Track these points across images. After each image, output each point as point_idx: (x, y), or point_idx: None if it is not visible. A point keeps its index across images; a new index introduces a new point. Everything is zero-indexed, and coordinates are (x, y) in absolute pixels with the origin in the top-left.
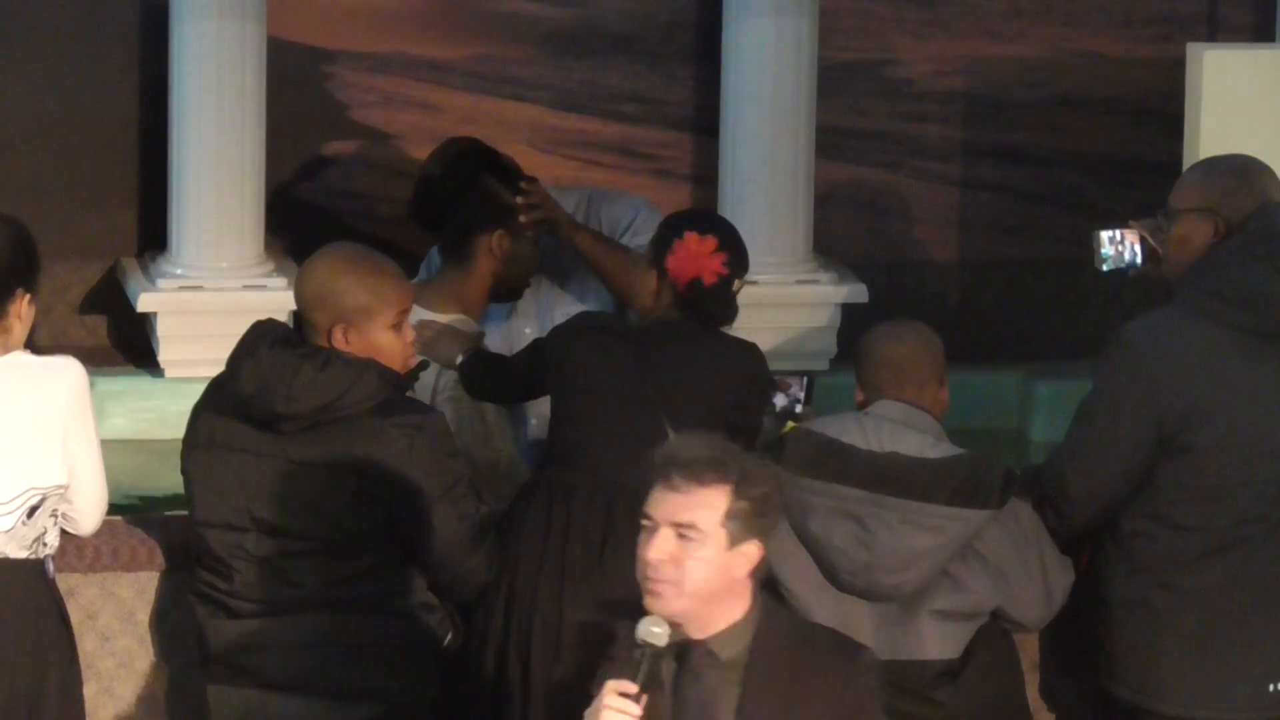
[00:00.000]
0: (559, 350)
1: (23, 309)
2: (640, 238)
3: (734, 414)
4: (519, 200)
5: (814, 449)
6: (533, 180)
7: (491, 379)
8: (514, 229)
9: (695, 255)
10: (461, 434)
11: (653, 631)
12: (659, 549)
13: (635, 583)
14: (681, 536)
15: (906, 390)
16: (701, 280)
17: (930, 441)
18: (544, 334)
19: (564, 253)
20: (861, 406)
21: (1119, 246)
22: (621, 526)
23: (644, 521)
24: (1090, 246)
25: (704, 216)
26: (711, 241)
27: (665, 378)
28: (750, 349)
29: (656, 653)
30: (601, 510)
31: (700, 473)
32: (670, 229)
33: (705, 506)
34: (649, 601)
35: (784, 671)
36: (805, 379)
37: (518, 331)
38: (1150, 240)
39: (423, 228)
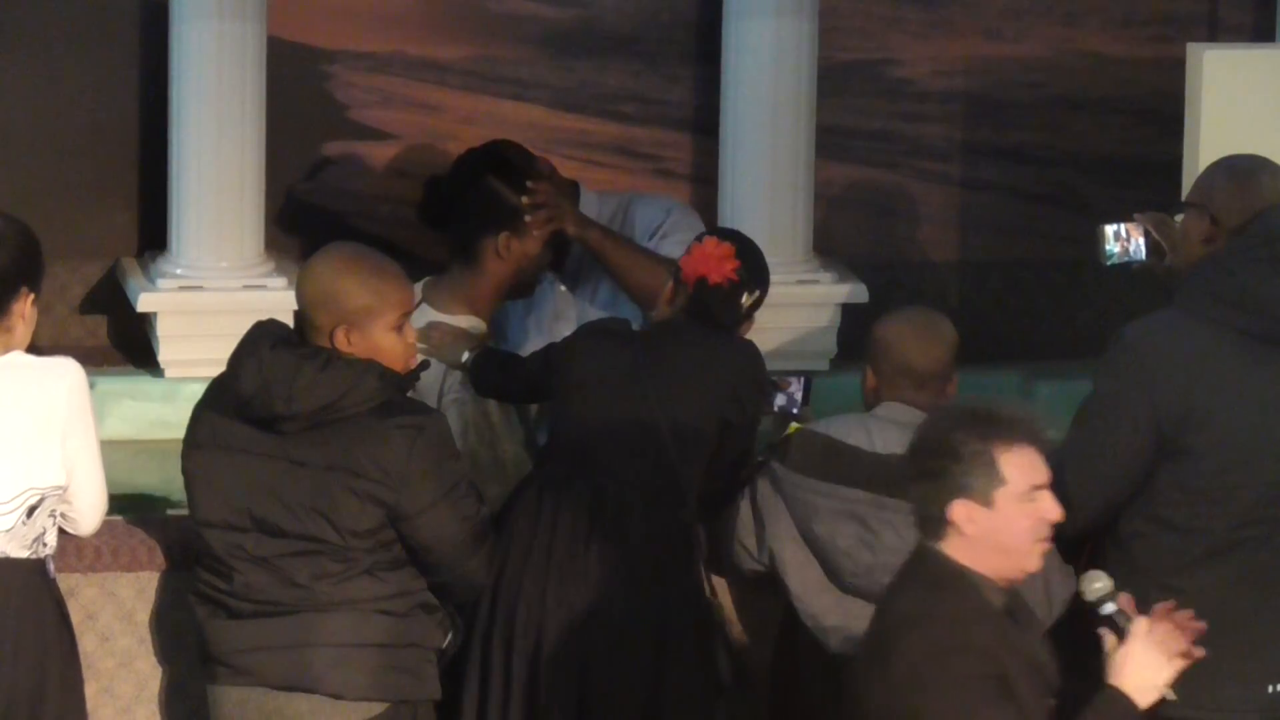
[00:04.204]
0: (561, 352)
1: (26, 309)
2: (670, 239)
3: (729, 410)
4: (524, 200)
5: (819, 450)
6: (540, 178)
7: (503, 377)
8: (520, 229)
9: (708, 256)
10: (467, 435)
11: (1101, 582)
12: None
13: (618, 579)
14: None
15: (922, 396)
16: (707, 279)
17: None
18: None
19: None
20: (874, 392)
21: (1124, 242)
22: (607, 523)
23: (1035, 489)
24: (1094, 241)
25: (735, 233)
26: (729, 248)
27: (661, 376)
28: (745, 346)
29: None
30: (588, 506)
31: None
32: (699, 238)
33: None
34: (1037, 561)
35: None
36: (803, 379)
37: None
38: (1154, 233)
39: (431, 229)
